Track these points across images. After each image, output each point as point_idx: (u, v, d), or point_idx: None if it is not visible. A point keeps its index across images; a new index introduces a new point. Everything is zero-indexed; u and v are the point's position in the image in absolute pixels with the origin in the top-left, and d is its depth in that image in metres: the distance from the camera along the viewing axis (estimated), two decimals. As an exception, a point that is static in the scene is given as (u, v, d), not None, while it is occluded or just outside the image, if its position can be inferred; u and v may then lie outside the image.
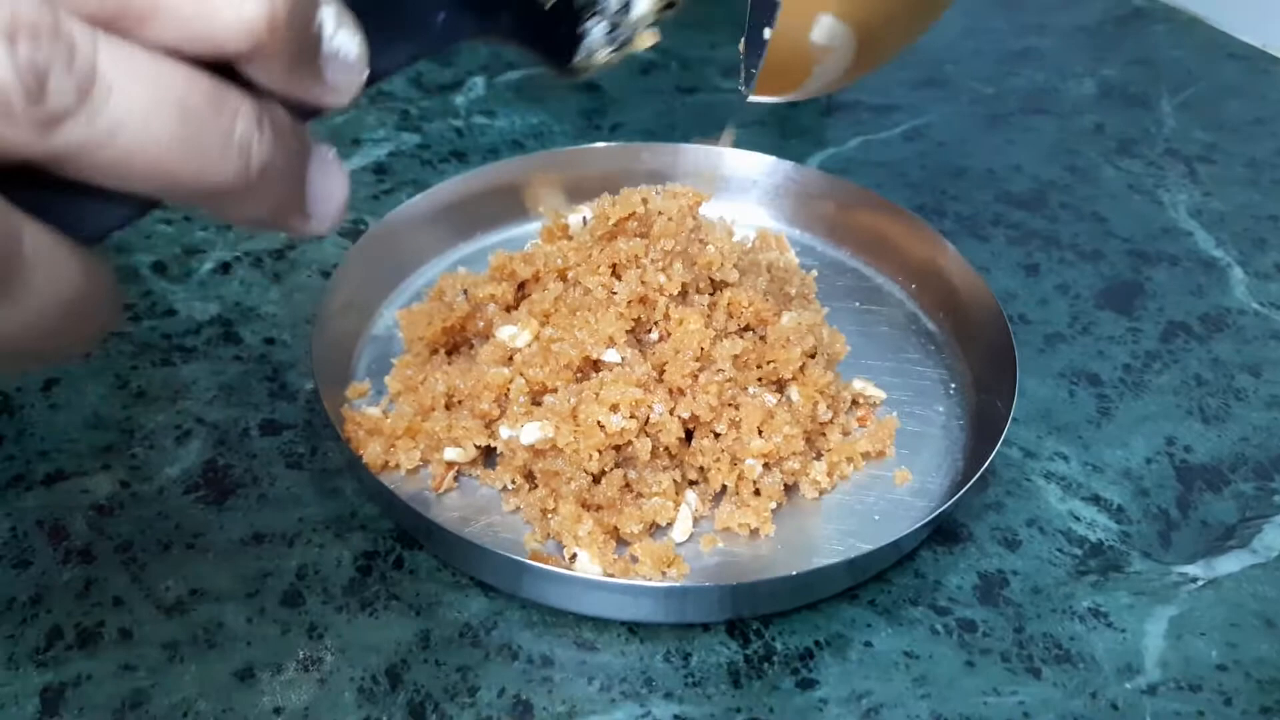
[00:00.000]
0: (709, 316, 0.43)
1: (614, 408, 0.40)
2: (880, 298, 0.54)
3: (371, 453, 0.42)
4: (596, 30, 0.33)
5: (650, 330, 0.43)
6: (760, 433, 0.41)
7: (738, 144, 0.59)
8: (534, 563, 0.37)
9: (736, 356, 0.42)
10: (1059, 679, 0.38)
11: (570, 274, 0.44)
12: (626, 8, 0.34)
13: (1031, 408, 0.49)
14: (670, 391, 0.41)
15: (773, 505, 0.42)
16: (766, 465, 0.42)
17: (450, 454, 0.42)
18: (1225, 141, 0.71)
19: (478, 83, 0.72)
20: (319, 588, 0.39)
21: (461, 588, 0.40)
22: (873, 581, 0.41)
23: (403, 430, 0.43)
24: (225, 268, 0.54)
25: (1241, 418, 0.50)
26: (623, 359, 0.41)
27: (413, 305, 0.49)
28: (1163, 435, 0.48)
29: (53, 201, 0.21)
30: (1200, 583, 0.42)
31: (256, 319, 0.51)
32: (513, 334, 0.43)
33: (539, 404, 0.42)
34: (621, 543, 0.41)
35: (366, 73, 0.25)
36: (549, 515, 0.41)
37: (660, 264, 0.43)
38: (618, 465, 0.41)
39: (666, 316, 0.42)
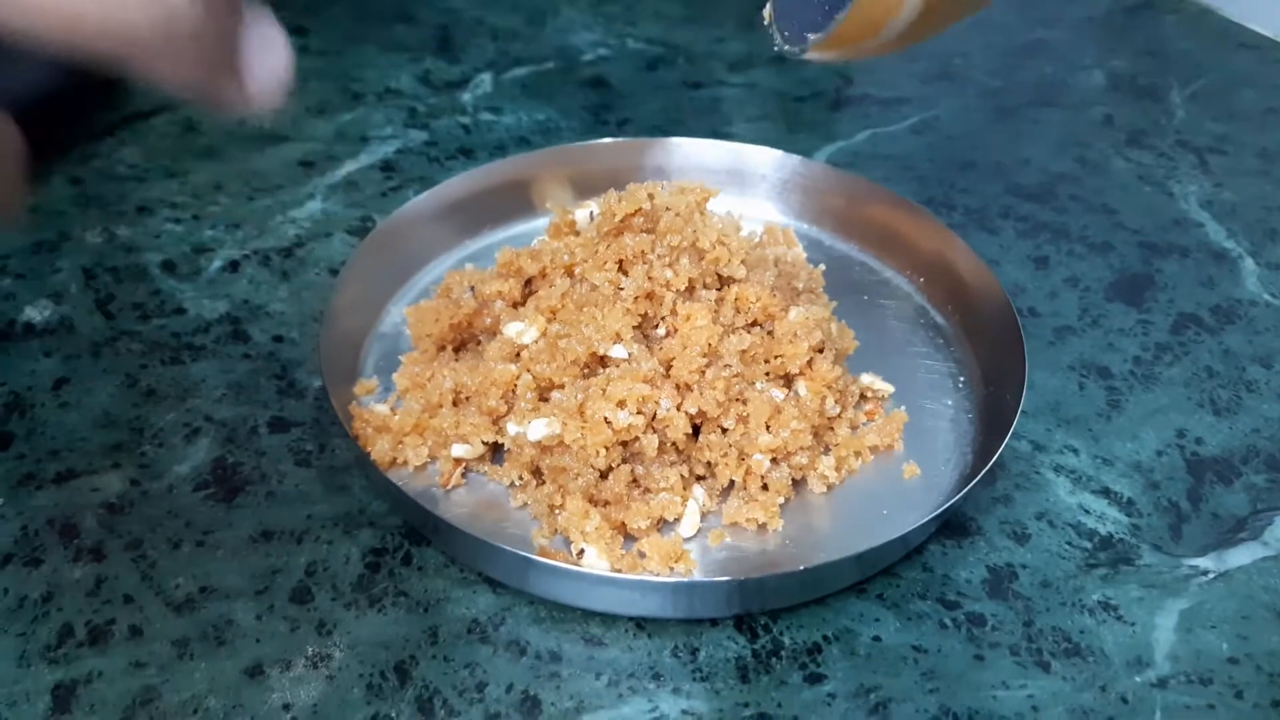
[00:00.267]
0: (716, 312, 0.43)
1: (621, 404, 0.40)
2: (889, 291, 0.54)
3: (379, 449, 0.42)
4: None
5: (657, 326, 0.43)
6: (768, 428, 0.41)
7: (745, 140, 0.59)
8: (541, 559, 0.37)
9: (744, 352, 0.42)
10: (1068, 672, 0.38)
11: (577, 270, 0.44)
12: None
13: (1041, 401, 0.49)
14: (677, 387, 0.41)
15: (780, 500, 0.42)
16: (774, 460, 0.42)
17: (458, 450, 0.42)
18: (1236, 132, 0.71)
19: (485, 79, 0.72)
20: (328, 584, 0.39)
21: (469, 584, 0.40)
22: (881, 576, 0.41)
23: (410, 427, 0.43)
24: (234, 266, 0.54)
25: (1253, 409, 0.49)
26: (630, 355, 0.41)
27: (420, 302, 0.49)
28: (1173, 427, 0.48)
29: None
30: (1211, 575, 0.41)
31: (265, 317, 0.51)
32: (520, 330, 0.43)
33: (546, 400, 0.42)
34: (629, 538, 0.41)
35: None
36: (556, 511, 0.41)
37: (667, 259, 0.43)
38: (625, 461, 0.41)
39: (673, 312, 0.42)
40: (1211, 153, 0.69)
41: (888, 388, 0.47)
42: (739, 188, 0.58)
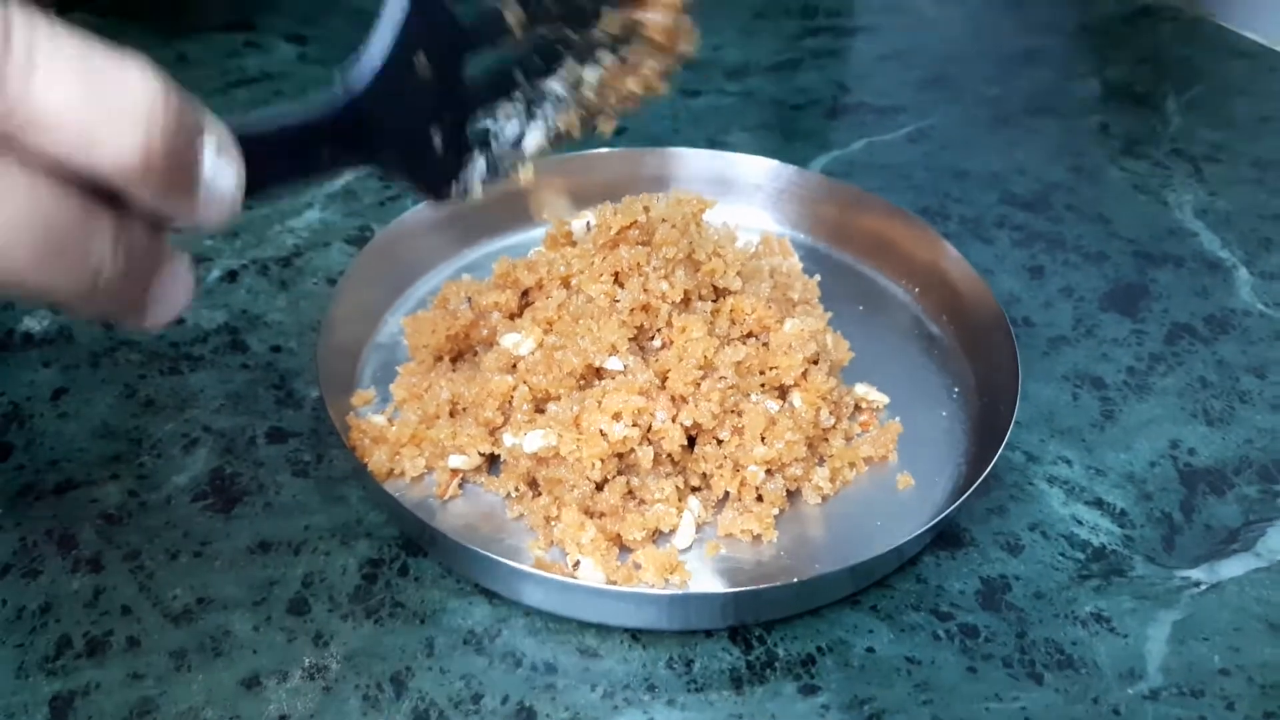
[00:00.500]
0: (712, 324, 0.43)
1: (616, 416, 0.40)
2: (884, 302, 0.54)
3: (376, 460, 0.42)
4: (479, 164, 0.34)
5: (653, 338, 0.43)
6: (763, 439, 0.42)
7: (741, 149, 0.59)
8: (537, 570, 0.37)
9: (739, 363, 0.42)
10: (1061, 684, 0.38)
11: (573, 282, 0.44)
12: (518, 142, 0.35)
13: (1035, 411, 0.49)
14: (673, 399, 0.41)
15: (775, 511, 0.42)
16: (769, 471, 0.42)
17: (454, 461, 0.42)
18: (1232, 141, 0.71)
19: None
20: (325, 595, 0.39)
21: (465, 595, 0.40)
22: (875, 587, 0.41)
23: (407, 438, 0.43)
24: (232, 276, 0.54)
25: (1246, 420, 0.50)
26: (625, 367, 0.42)
27: (418, 313, 0.49)
28: (1166, 438, 0.48)
29: None
30: (1203, 587, 0.42)
31: (263, 327, 0.51)
32: (516, 341, 0.43)
33: (542, 412, 0.42)
34: (624, 550, 0.41)
35: (241, 200, 0.26)
36: (552, 522, 0.41)
37: (662, 271, 0.43)
38: (620, 473, 0.41)
39: (669, 324, 0.43)
40: (1206, 161, 0.69)
41: (883, 399, 0.47)
42: (735, 197, 0.58)
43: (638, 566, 0.40)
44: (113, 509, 0.42)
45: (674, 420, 0.41)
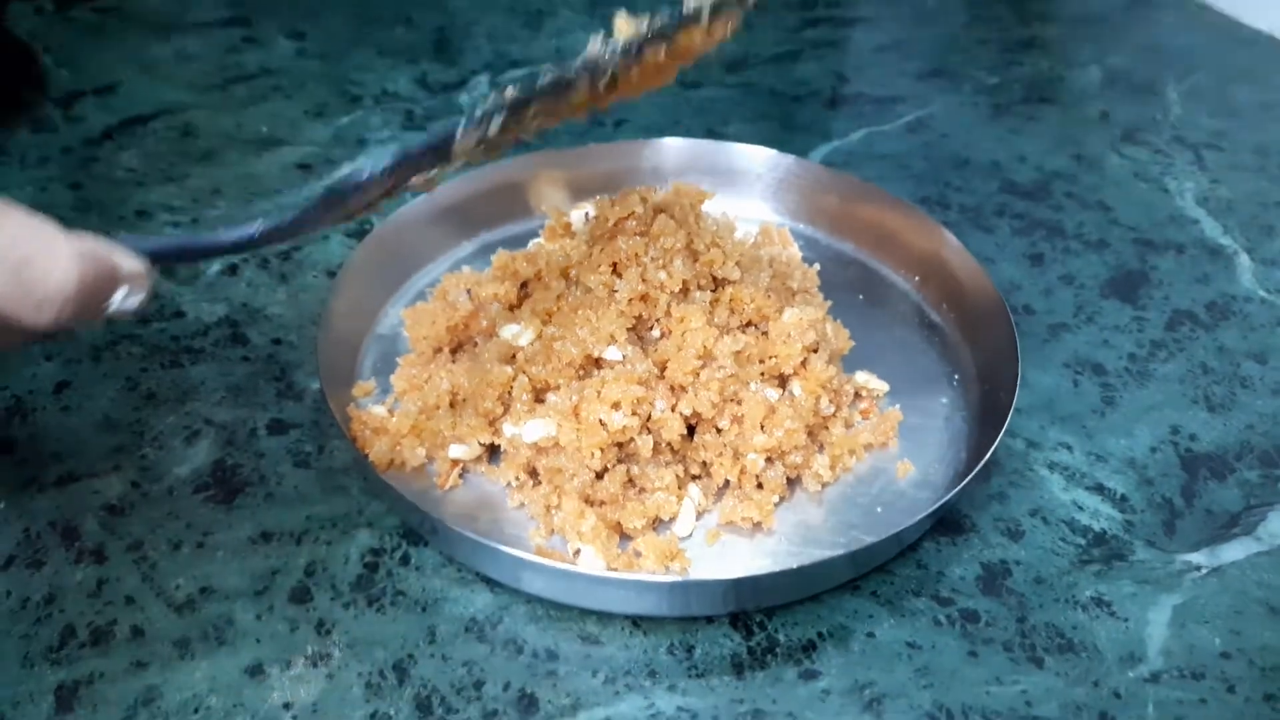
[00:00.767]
0: (711, 313, 0.43)
1: (615, 405, 0.40)
2: (884, 291, 0.54)
3: (377, 451, 0.43)
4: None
5: (652, 328, 0.43)
6: (762, 428, 0.42)
7: (741, 140, 0.59)
8: (538, 558, 0.37)
9: (738, 353, 0.42)
10: (1061, 668, 0.38)
11: (572, 273, 0.45)
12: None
13: (1035, 398, 0.49)
14: (672, 388, 0.42)
15: (775, 499, 0.42)
16: (769, 459, 0.42)
17: (455, 451, 0.43)
18: (1233, 128, 0.71)
19: (482, 81, 0.72)
20: (327, 584, 0.40)
21: (467, 583, 0.40)
22: (875, 573, 0.41)
23: (408, 429, 0.43)
24: (232, 269, 0.55)
25: (1247, 405, 0.50)
26: (624, 357, 0.42)
27: (417, 304, 0.49)
28: (1167, 424, 0.48)
29: None
30: (1204, 571, 0.42)
31: (263, 319, 0.51)
32: (516, 332, 0.44)
33: (542, 402, 0.42)
34: (625, 537, 0.41)
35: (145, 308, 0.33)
36: (553, 511, 0.41)
37: (660, 262, 0.43)
38: (620, 461, 0.42)
39: (668, 314, 0.43)
40: (1208, 149, 0.69)
41: (882, 386, 0.47)
42: (735, 188, 0.58)
43: (638, 554, 0.40)
44: (115, 500, 0.42)
45: (673, 409, 0.41)
